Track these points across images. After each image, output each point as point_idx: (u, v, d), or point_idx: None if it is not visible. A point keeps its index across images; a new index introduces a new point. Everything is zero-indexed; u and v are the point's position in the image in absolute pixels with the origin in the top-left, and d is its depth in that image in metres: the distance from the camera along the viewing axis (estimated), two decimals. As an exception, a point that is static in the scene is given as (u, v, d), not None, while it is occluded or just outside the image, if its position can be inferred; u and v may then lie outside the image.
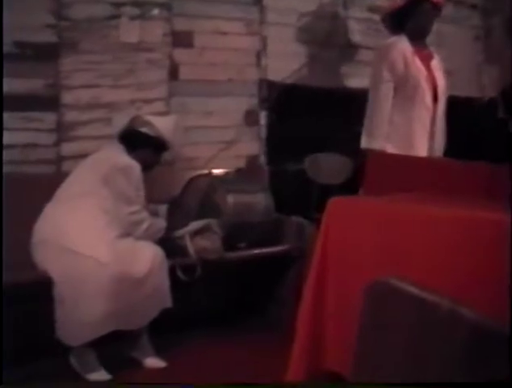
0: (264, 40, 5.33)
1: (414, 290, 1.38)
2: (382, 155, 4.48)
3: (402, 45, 4.69)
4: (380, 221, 3.25)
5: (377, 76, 4.67)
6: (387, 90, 4.62)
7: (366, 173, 4.32)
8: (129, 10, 4.76)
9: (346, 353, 3.03)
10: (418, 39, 4.76)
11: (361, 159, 4.71)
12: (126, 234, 4.11)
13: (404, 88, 4.63)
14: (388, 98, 4.62)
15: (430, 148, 4.72)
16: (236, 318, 4.65)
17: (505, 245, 2.68)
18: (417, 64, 4.68)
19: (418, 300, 1.36)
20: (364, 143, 4.66)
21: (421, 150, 4.66)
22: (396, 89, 4.64)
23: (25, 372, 3.92)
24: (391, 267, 2.98)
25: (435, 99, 4.72)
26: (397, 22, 4.80)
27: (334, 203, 3.44)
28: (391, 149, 4.59)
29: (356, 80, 5.64)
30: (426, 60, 4.76)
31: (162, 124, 4.37)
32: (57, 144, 4.60)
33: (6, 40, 4.38)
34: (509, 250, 2.66)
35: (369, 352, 1.41)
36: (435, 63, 4.81)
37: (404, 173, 3.81)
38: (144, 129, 4.33)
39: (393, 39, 4.78)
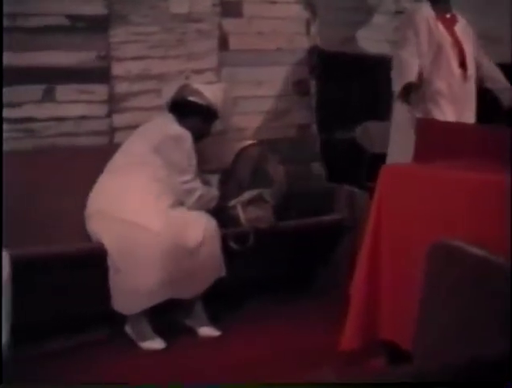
0: (313, 8, 5.28)
1: (479, 252, 1.36)
2: (431, 122, 4.43)
3: (424, 11, 4.62)
4: (433, 187, 3.24)
5: (403, 41, 4.60)
6: (414, 54, 4.53)
7: (416, 140, 4.29)
8: (178, -20, 4.75)
9: (402, 323, 3.04)
10: (441, 3, 4.67)
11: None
12: (179, 203, 4.14)
13: (428, 55, 4.56)
14: (416, 61, 4.53)
15: (459, 115, 4.64)
16: (288, 287, 4.67)
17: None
18: (441, 30, 4.61)
19: (483, 261, 1.35)
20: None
21: (449, 118, 4.58)
22: (420, 56, 4.57)
23: (81, 340, 3.99)
24: (444, 233, 2.97)
25: (463, 65, 4.63)
26: None
27: (387, 171, 3.43)
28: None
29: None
30: (450, 25, 4.67)
31: (211, 93, 4.38)
32: (109, 115, 4.63)
33: (58, 12, 4.41)
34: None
35: (433, 315, 1.40)
36: (460, 27, 4.71)
37: (454, 139, 3.77)
38: (192, 98, 4.35)
39: (416, 5, 4.72)
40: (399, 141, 4.52)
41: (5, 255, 3.65)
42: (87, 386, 3.47)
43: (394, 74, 4.62)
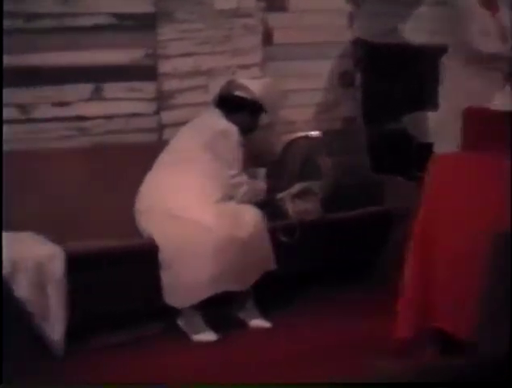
0: (356, 0, 5.28)
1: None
2: (479, 110, 4.41)
3: None
4: (482, 175, 3.24)
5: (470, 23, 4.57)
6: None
7: (463, 128, 4.27)
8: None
9: (456, 312, 3.04)
10: None
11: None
12: (228, 197, 4.19)
13: None
14: None
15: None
16: (337, 279, 4.67)
17: None
18: (486, 15, 4.59)
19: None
20: None
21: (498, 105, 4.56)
22: None
23: (132, 334, 4.03)
24: (495, 221, 2.96)
25: None
26: None
27: (436, 159, 3.43)
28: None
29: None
30: (494, 11, 4.65)
31: (257, 87, 4.41)
32: (157, 112, 4.68)
33: (106, 11, 4.48)
34: None
35: (497, 304, 1.41)
36: (502, 14, 4.68)
37: (502, 127, 3.76)
38: (238, 93, 4.38)
39: None
40: (446, 129, 4.50)
41: (60, 251, 3.74)
42: (89, 386, 3.49)
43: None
